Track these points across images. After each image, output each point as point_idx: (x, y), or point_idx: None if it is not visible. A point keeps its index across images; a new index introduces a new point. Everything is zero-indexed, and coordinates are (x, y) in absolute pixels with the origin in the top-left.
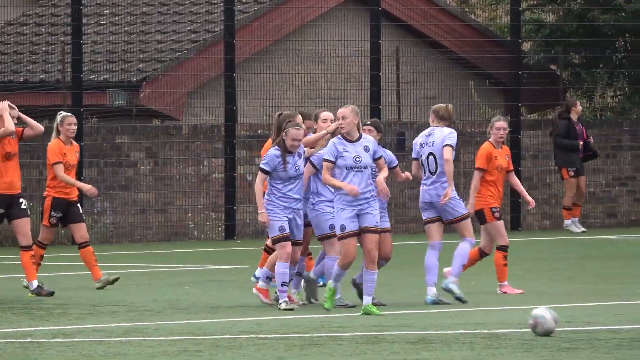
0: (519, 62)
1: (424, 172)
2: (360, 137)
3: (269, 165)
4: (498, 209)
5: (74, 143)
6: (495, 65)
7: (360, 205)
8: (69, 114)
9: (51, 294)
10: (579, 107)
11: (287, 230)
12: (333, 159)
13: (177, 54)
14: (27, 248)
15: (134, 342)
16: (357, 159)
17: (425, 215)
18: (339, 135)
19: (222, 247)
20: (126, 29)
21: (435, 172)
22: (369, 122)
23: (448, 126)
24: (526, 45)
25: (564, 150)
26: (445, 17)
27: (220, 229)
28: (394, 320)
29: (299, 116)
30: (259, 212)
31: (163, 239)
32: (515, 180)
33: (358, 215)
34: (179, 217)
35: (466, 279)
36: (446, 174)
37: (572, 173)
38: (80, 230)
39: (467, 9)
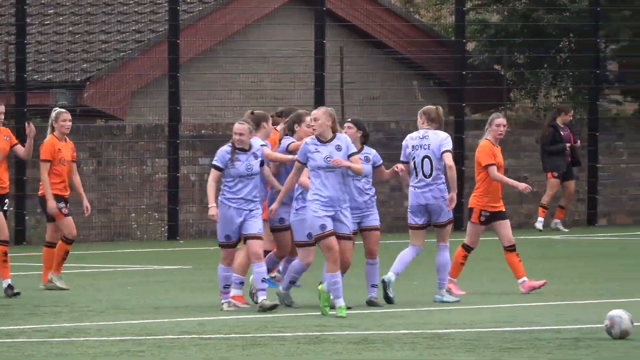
0: (463, 62)
1: (416, 175)
2: (333, 137)
3: (219, 161)
4: (488, 213)
5: (68, 140)
6: (439, 65)
7: (334, 209)
8: (63, 110)
9: (17, 294)
10: (570, 115)
11: (233, 239)
12: (303, 160)
13: (121, 54)
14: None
15: (76, 342)
16: (328, 159)
17: (414, 220)
18: (313, 136)
19: (165, 248)
20: (70, 29)
21: (431, 175)
22: (350, 120)
23: (438, 129)
24: (470, 46)
25: (550, 155)
26: (389, 17)
27: (163, 229)
28: (336, 321)
29: (307, 116)
30: (209, 206)
31: (106, 239)
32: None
33: (333, 219)
34: (122, 218)
35: (408, 279)
36: (450, 180)
37: (555, 174)
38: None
39: (411, 9)
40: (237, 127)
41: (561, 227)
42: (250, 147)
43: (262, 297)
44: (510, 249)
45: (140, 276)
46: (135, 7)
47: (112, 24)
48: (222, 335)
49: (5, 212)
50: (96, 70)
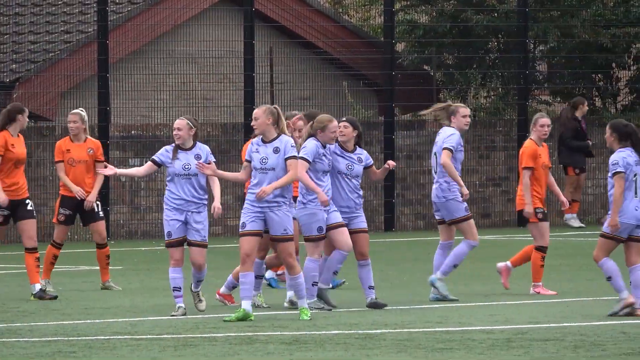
0: (393, 62)
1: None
2: (276, 138)
3: (157, 155)
4: (542, 209)
5: (90, 139)
6: (369, 66)
7: (262, 209)
8: (75, 111)
9: (54, 297)
10: (586, 107)
11: (174, 237)
12: (248, 159)
13: (50, 54)
14: (32, 250)
15: (7, 343)
16: (264, 161)
17: (435, 215)
18: (260, 135)
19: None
20: None
21: (436, 172)
22: (344, 119)
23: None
24: (400, 46)
25: (572, 150)
26: (318, 17)
27: None
28: (268, 321)
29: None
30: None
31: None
32: (552, 180)
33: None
34: (53, 219)
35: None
36: (451, 176)
37: (577, 171)
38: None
39: (340, 10)
40: (176, 122)
41: (575, 223)
42: (193, 146)
43: (178, 305)
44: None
45: (71, 277)
46: (64, 7)
47: (41, 25)
48: (153, 336)
49: (33, 214)
50: (25, 70)
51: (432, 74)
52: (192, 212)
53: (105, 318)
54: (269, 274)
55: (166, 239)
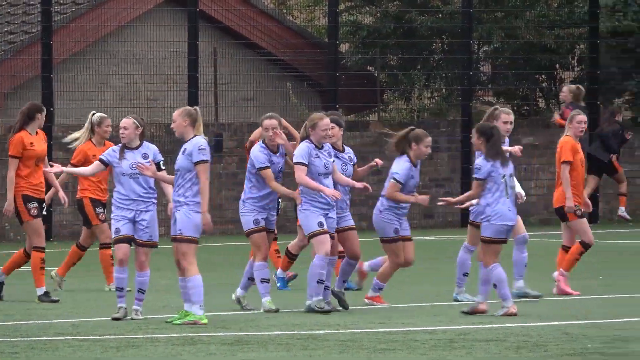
0: (337, 63)
1: None
2: (140, 145)
3: (104, 155)
4: (579, 206)
5: (108, 143)
6: (313, 67)
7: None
8: (105, 115)
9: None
10: (621, 116)
11: (122, 233)
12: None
13: None
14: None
15: None
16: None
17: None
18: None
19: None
20: None
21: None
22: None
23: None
24: (344, 47)
25: (607, 146)
26: (262, 18)
27: None
28: (210, 321)
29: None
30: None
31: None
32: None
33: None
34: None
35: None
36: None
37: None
38: (106, 230)
39: (284, 11)
40: (122, 121)
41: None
42: (140, 145)
43: (135, 307)
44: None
45: (13, 277)
46: (8, 7)
47: None
48: (96, 337)
49: (43, 216)
50: None
51: (376, 74)
52: (141, 211)
53: (48, 319)
54: (280, 272)
55: (113, 236)
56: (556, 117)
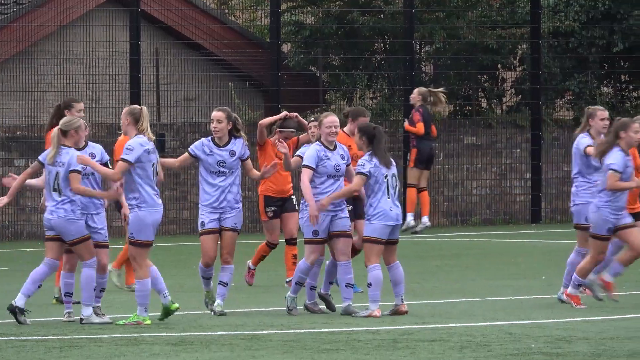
0: (279, 63)
1: None
2: (85, 145)
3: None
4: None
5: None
6: (255, 67)
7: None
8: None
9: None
10: None
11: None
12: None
13: None
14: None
15: None
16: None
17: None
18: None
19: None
20: None
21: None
22: (313, 119)
23: None
24: (286, 47)
25: None
26: (205, 18)
27: None
28: (154, 322)
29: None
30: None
31: None
32: None
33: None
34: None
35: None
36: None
37: None
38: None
39: (226, 11)
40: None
41: None
42: (86, 145)
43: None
44: None
45: None
46: None
47: None
48: (39, 337)
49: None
50: None
51: (318, 74)
52: (92, 214)
53: None
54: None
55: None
56: (406, 124)
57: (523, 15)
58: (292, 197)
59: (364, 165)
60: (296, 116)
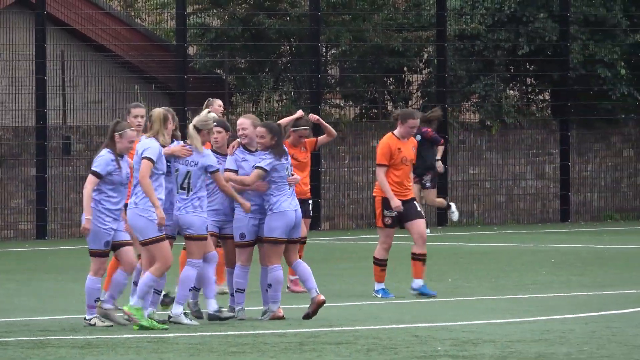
0: (185, 66)
1: None
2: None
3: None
4: None
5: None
6: (161, 69)
7: None
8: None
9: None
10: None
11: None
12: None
13: None
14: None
15: None
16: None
17: None
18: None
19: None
20: None
21: None
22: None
23: None
24: (192, 49)
25: None
26: (110, 21)
27: None
28: (60, 325)
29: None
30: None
31: None
32: None
33: None
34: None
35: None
36: None
37: None
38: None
39: (132, 13)
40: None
41: None
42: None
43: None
44: None
45: None
46: None
47: None
48: None
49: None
50: None
51: (224, 77)
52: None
53: None
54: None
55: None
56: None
57: (429, 18)
58: (310, 200)
59: (265, 160)
60: (317, 119)
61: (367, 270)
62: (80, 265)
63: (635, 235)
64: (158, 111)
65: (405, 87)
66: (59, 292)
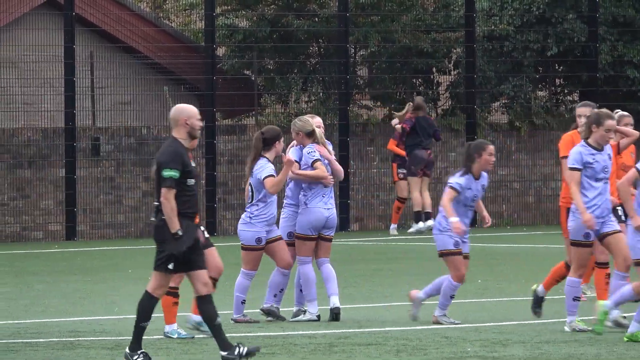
0: (214, 67)
1: None
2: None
3: None
4: None
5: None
6: (190, 71)
7: None
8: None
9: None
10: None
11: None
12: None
13: None
14: None
15: None
16: None
17: None
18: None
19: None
20: None
21: None
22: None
23: None
24: (220, 50)
25: None
26: (139, 22)
27: None
28: (89, 326)
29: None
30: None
31: None
32: None
33: None
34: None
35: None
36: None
37: None
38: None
39: (161, 14)
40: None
41: None
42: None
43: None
44: None
45: None
46: None
47: None
48: None
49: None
50: None
51: (253, 78)
52: None
53: None
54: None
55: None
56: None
57: (457, 19)
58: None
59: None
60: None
61: (397, 271)
62: (108, 266)
63: None
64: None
65: (434, 88)
66: (88, 294)
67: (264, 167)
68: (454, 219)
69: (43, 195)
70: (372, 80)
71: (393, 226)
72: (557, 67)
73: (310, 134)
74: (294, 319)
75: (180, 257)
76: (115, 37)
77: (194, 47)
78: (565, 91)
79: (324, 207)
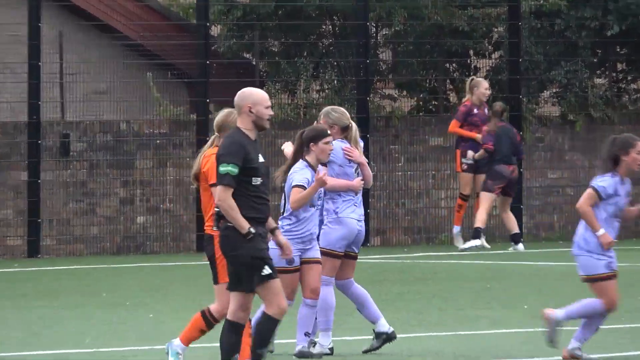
0: (207, 49)
1: None
2: None
3: None
4: None
5: None
6: (178, 54)
7: None
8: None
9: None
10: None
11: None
12: None
13: None
14: None
15: None
16: None
17: None
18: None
19: None
20: None
21: None
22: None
23: None
24: (215, 30)
25: None
26: None
27: None
28: None
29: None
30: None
31: None
32: None
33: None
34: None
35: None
36: None
37: None
38: None
39: None
40: None
41: None
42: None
43: None
44: None
45: None
46: None
47: None
48: None
49: None
50: None
51: (254, 63)
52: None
53: None
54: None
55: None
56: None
57: None
58: None
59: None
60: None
61: (425, 295)
62: (78, 288)
63: None
64: None
65: (471, 74)
66: (54, 322)
67: (296, 172)
68: (602, 232)
69: (0, 204)
70: (397, 65)
71: (456, 228)
72: (618, 50)
73: (346, 129)
74: None
75: (267, 258)
76: (89, 14)
77: (183, 25)
78: (629, 78)
79: (357, 218)
